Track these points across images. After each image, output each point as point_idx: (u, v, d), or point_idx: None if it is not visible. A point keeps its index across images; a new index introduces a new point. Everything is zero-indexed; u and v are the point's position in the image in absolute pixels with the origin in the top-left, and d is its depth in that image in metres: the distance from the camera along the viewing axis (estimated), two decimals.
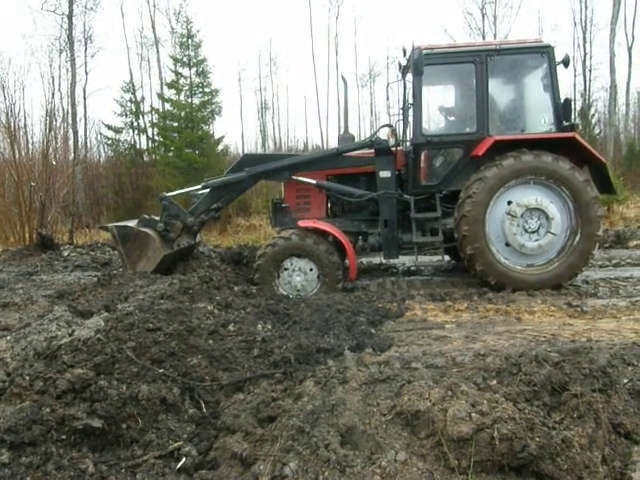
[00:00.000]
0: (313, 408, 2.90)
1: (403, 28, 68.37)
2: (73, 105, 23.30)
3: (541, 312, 6.19)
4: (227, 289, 6.37)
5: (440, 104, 8.83)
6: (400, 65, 8.84)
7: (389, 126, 8.55)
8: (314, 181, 8.11)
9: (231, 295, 5.97)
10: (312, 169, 8.19)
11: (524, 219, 7.37)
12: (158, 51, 28.72)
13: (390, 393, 3.06)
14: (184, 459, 2.87)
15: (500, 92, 8.33)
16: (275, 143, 39.52)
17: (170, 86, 19.70)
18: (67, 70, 25.69)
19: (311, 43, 49.77)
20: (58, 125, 17.98)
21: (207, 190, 8.25)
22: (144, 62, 32.15)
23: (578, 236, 7.31)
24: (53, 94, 24.99)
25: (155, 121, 21.61)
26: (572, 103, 7.81)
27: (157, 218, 7.98)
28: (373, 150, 8.08)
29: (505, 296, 6.96)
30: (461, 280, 8.27)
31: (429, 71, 7.47)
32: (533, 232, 7.40)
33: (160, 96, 21.58)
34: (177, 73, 19.09)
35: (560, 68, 7.63)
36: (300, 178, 8.15)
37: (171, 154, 18.87)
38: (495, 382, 3.16)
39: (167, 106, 20.32)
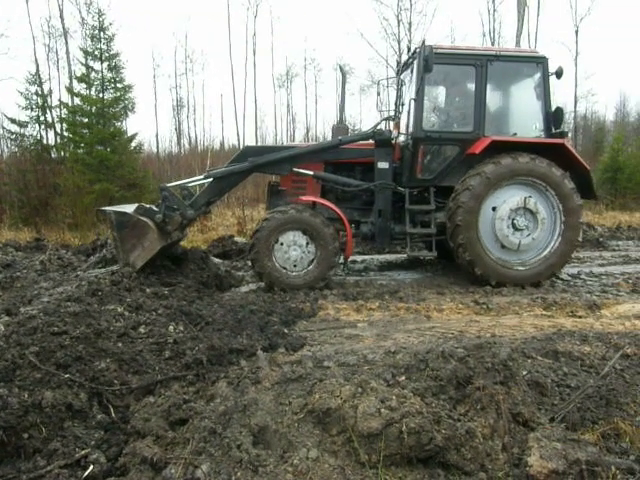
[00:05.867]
0: (225, 409, 2.88)
1: (320, 31, 69.20)
2: None
3: (449, 310, 6.43)
4: (138, 290, 6.19)
5: (439, 102, 9.10)
6: (398, 62, 9.19)
7: (392, 119, 8.73)
8: (311, 172, 8.23)
9: (142, 297, 5.82)
10: (313, 161, 8.29)
11: (517, 215, 7.82)
12: (67, 42, 27.55)
13: (302, 392, 3.09)
14: (91, 467, 2.75)
15: (496, 96, 8.70)
16: (190, 142, 38.84)
17: (80, 80, 18.87)
18: None
19: (229, 41, 49.28)
20: None
21: (206, 181, 8.16)
22: (52, 53, 30.76)
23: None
24: None
25: (64, 116, 20.66)
26: (563, 112, 8.22)
27: (155, 208, 7.63)
28: (373, 141, 8.25)
29: (415, 295, 7.18)
30: (373, 280, 8.46)
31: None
32: (517, 230, 7.84)
33: (69, 90, 20.58)
34: (88, 67, 18.32)
35: (553, 79, 8.04)
36: (300, 170, 8.23)
37: (81, 151, 18.08)
38: (404, 378, 3.26)
39: (77, 101, 19.46)
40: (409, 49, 8.58)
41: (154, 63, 61.01)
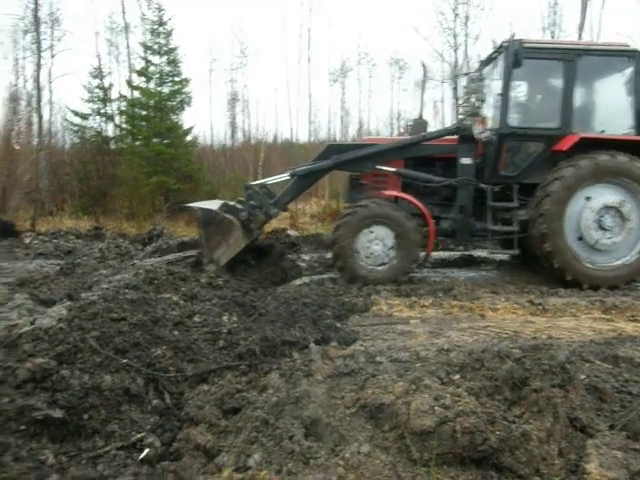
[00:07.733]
0: (277, 400, 2.90)
1: (374, 25, 68.83)
2: (38, 89, 22.70)
3: (504, 309, 6.29)
4: (193, 280, 6.31)
5: (525, 97, 8.89)
6: (480, 57, 9.10)
7: (476, 115, 8.66)
8: (394, 169, 8.21)
9: (197, 286, 5.93)
10: (396, 157, 8.28)
11: (607, 214, 7.59)
12: (128, 37, 28.17)
13: (354, 386, 3.09)
14: (147, 450, 2.83)
15: (584, 91, 8.42)
16: (244, 135, 39.20)
17: (139, 74, 19.39)
18: (32, 52, 25.00)
19: (283, 36, 49.64)
20: (22, 109, 17.53)
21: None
22: (113, 48, 31.53)
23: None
24: (17, 77, 24.29)
25: (123, 109, 21.24)
26: None
27: (239, 206, 7.78)
28: (457, 137, 8.19)
29: (469, 293, 7.06)
30: (427, 277, 8.37)
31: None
32: (601, 228, 7.59)
33: (129, 83, 21.15)
34: (147, 60, 18.79)
35: None
36: (383, 167, 8.21)
37: (138, 143, 18.57)
38: (458, 377, 3.21)
39: (136, 94, 19.97)
40: (494, 43, 8.37)
41: (210, 57, 61.84)
